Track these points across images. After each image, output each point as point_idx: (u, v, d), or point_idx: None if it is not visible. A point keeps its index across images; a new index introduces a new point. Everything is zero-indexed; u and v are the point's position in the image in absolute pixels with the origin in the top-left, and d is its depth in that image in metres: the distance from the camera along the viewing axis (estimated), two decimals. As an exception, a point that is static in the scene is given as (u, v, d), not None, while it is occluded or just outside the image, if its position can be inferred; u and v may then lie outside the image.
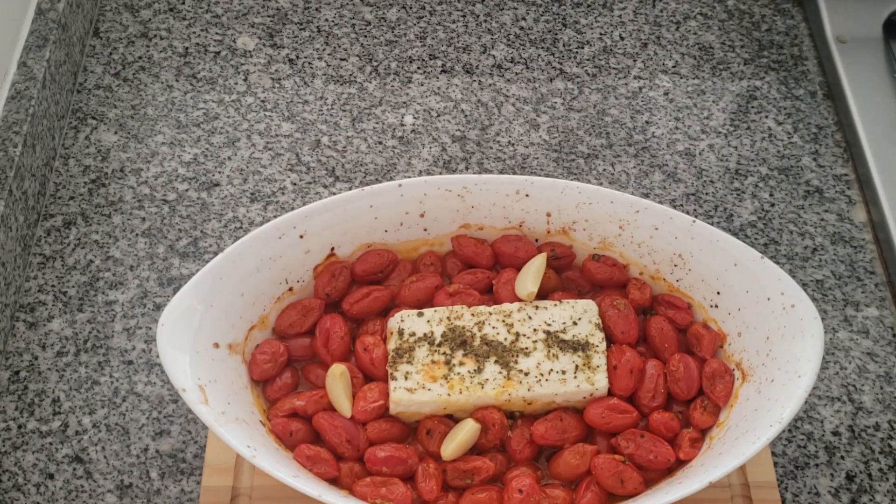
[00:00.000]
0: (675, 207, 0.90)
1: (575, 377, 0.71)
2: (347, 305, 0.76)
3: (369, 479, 0.68)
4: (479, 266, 0.79)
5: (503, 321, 0.73)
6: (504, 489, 0.68)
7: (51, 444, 0.77)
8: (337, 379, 0.71)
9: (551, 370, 0.71)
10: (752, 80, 1.01)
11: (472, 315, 0.74)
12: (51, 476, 0.75)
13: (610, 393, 0.72)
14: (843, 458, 0.77)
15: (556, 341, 0.73)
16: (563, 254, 0.78)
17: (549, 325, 0.73)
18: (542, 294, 0.77)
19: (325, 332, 0.75)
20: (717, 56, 1.03)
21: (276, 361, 0.73)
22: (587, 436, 0.72)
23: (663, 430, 0.71)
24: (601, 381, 0.71)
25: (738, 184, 0.93)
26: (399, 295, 0.77)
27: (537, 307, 0.74)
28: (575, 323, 0.74)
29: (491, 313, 0.74)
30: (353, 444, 0.70)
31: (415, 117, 0.97)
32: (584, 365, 0.72)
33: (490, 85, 1.00)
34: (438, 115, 0.97)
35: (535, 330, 0.73)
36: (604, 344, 0.73)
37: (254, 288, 0.74)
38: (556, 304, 0.74)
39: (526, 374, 0.71)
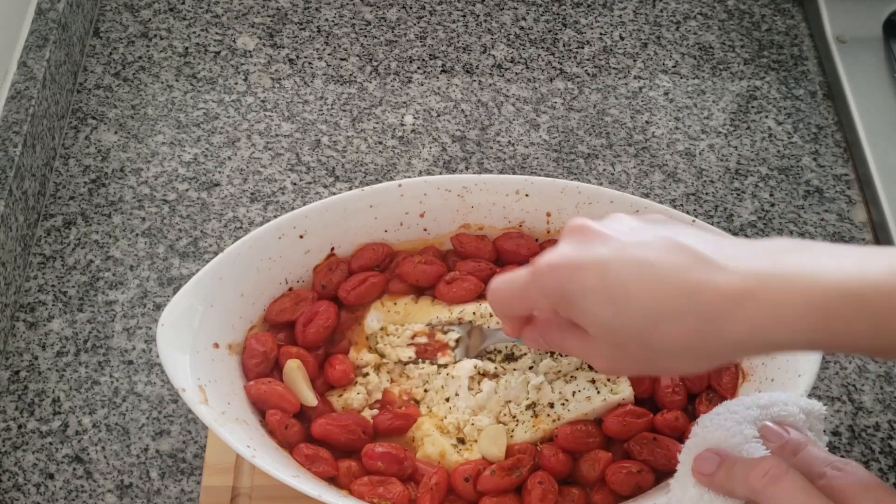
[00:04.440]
0: (675, 207, 0.90)
1: (598, 392, 0.71)
2: (344, 293, 0.76)
3: (367, 478, 0.68)
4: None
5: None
6: (523, 487, 0.68)
7: (51, 444, 0.77)
8: (295, 372, 0.72)
9: (574, 392, 0.71)
10: (752, 80, 1.01)
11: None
12: (51, 476, 0.75)
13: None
14: (843, 458, 0.77)
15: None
16: None
17: None
18: None
19: (311, 313, 0.75)
20: (717, 56, 1.03)
21: (266, 358, 0.73)
22: (608, 441, 0.71)
23: (668, 431, 0.70)
24: (626, 390, 0.71)
25: (738, 184, 0.93)
26: (401, 269, 0.77)
27: None
28: None
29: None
30: (368, 432, 0.71)
31: (415, 117, 0.97)
32: (604, 378, 0.72)
33: (490, 85, 1.00)
34: (438, 115, 0.97)
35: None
36: None
37: (254, 288, 0.74)
38: None
39: (551, 405, 0.71)
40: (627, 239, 0.54)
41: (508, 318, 0.62)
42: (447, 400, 0.72)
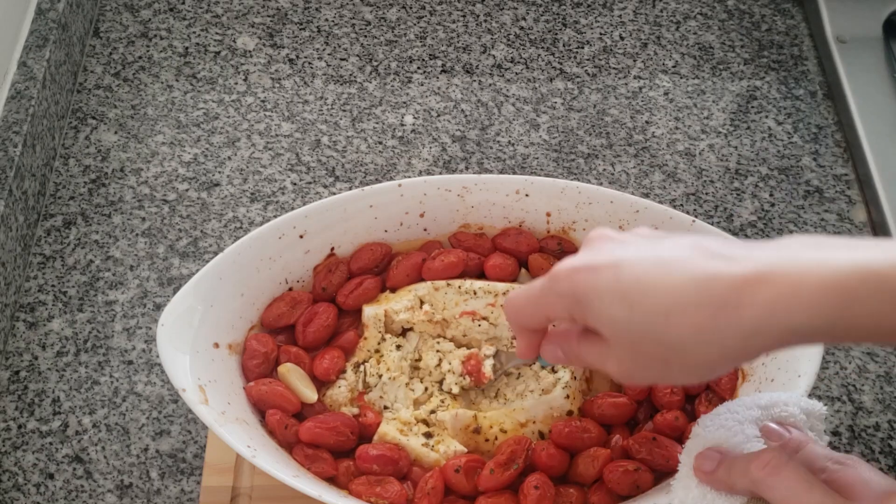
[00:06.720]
0: (675, 207, 0.90)
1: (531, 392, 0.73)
2: (342, 298, 0.76)
3: (364, 477, 0.68)
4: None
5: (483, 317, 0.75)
6: (519, 491, 0.68)
7: (51, 444, 0.77)
8: (291, 373, 0.72)
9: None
10: (752, 80, 1.01)
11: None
12: (51, 476, 0.75)
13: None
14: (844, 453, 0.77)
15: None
16: (569, 249, 0.78)
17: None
18: None
19: (311, 314, 0.75)
20: (717, 56, 1.03)
21: (267, 359, 0.73)
22: (606, 437, 0.71)
23: (668, 431, 0.70)
24: (557, 400, 0.72)
25: (738, 184, 0.93)
26: (427, 267, 0.77)
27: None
28: None
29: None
30: (356, 432, 0.70)
31: (415, 117, 0.97)
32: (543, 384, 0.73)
33: (490, 85, 1.00)
34: (438, 115, 0.97)
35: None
36: None
37: (254, 288, 0.74)
38: None
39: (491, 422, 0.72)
40: (644, 242, 0.54)
41: (524, 331, 0.61)
42: (386, 408, 0.73)
